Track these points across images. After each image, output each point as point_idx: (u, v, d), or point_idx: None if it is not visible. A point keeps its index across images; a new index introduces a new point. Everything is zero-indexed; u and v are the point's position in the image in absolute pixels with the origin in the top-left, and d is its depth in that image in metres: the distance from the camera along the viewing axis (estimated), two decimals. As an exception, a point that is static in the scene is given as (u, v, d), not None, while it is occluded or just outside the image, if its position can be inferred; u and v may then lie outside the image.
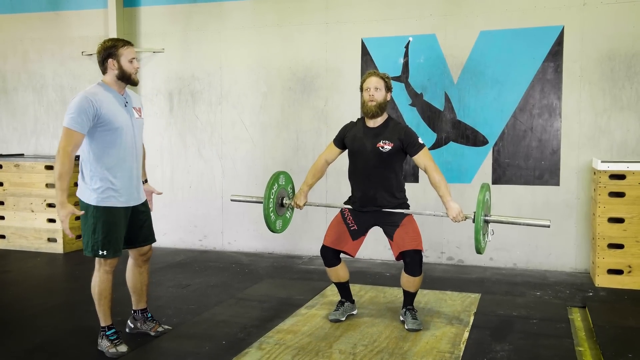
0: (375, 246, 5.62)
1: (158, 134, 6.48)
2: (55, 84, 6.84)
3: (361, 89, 3.80)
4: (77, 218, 3.38)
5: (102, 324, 3.48)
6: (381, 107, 3.73)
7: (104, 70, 3.42)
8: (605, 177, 4.82)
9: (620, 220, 4.80)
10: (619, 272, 4.82)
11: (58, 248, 6.20)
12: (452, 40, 5.54)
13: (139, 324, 3.77)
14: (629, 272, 4.78)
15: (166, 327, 3.82)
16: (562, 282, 5.05)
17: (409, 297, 3.88)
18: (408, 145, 3.70)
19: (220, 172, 6.35)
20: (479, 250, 3.50)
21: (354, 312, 4.10)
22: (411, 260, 3.72)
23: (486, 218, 3.53)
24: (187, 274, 5.34)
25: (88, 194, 3.36)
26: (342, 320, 3.96)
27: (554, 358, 3.37)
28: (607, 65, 5.22)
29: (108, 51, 3.37)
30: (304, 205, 3.99)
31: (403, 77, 5.67)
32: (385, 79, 3.78)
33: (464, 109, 5.55)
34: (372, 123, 3.78)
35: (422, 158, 3.70)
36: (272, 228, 3.98)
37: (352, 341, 3.59)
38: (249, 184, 6.16)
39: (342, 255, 3.92)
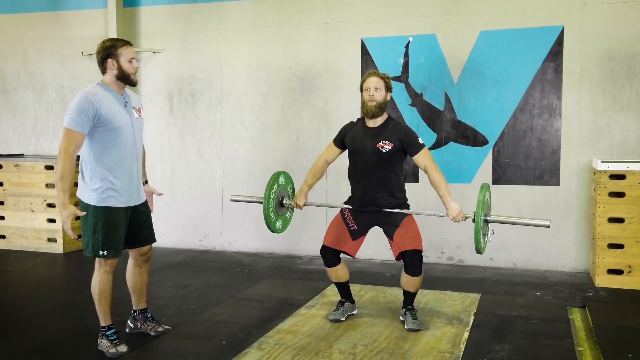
0: (375, 246, 5.62)
1: (158, 134, 6.48)
2: (55, 84, 6.84)
3: (361, 89, 3.80)
4: (77, 218, 3.37)
5: (102, 324, 3.48)
6: (381, 107, 3.73)
7: (104, 70, 3.42)
8: (605, 177, 4.82)
9: (620, 220, 4.80)
10: (619, 272, 4.82)
11: (58, 248, 6.20)
12: (452, 40, 5.54)
13: (139, 324, 3.77)
14: (629, 272, 4.78)
15: (166, 327, 3.82)
16: (562, 282, 5.05)
17: (409, 297, 3.88)
18: (408, 145, 3.70)
19: (220, 172, 6.35)
20: (479, 250, 3.50)
21: (354, 312, 4.10)
22: (411, 260, 3.72)
23: (486, 218, 3.53)
24: (187, 274, 5.34)
25: (88, 194, 3.36)
26: (342, 320, 3.96)
27: (554, 358, 3.37)
28: (607, 65, 5.22)
29: (107, 51, 3.37)
30: (304, 205, 3.99)
31: (403, 77, 5.67)
32: (385, 79, 3.78)
33: (464, 109, 5.55)
34: (372, 123, 3.78)
35: (422, 158, 3.70)
36: (272, 228, 3.97)
37: (352, 341, 3.59)
38: (249, 184, 6.16)
39: (342, 255, 3.92)
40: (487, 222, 3.56)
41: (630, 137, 5.20)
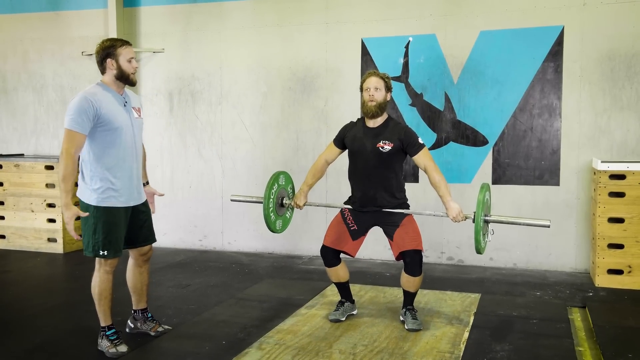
0: (375, 246, 5.62)
1: (158, 134, 6.48)
2: (55, 84, 6.84)
3: (361, 89, 3.80)
4: (78, 218, 3.37)
5: (102, 324, 3.48)
6: (381, 107, 3.73)
7: (103, 70, 3.42)
8: (605, 177, 4.82)
9: (620, 220, 4.80)
10: (619, 272, 4.82)
11: (58, 248, 6.20)
12: (452, 40, 5.54)
13: (139, 324, 3.77)
14: (629, 272, 4.78)
15: (166, 327, 3.82)
16: (562, 282, 5.05)
17: (409, 297, 3.88)
18: (408, 145, 3.70)
19: (220, 172, 6.35)
20: (479, 251, 3.50)
21: (354, 312, 4.10)
22: (411, 260, 3.72)
23: (486, 218, 3.53)
24: (187, 274, 5.34)
25: (88, 194, 3.36)
26: (342, 320, 3.96)
27: (554, 358, 3.37)
28: (607, 65, 5.22)
29: (106, 51, 3.37)
30: (304, 205, 3.99)
31: (403, 77, 5.67)
32: (385, 79, 3.78)
33: (464, 109, 5.55)
34: (372, 123, 3.78)
35: (422, 158, 3.70)
36: (272, 228, 3.97)
37: (352, 341, 3.59)
38: (249, 184, 6.16)
39: (342, 255, 3.92)
40: (487, 222, 3.56)
41: (630, 137, 5.20)
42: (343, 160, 4.02)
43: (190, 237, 6.49)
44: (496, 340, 3.63)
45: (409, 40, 5.65)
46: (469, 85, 5.51)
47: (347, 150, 3.89)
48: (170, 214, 6.46)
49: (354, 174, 3.85)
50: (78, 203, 3.41)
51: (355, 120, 3.96)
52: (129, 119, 3.43)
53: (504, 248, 5.53)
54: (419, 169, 5.12)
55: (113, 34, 6.27)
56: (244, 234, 6.29)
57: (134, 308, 3.79)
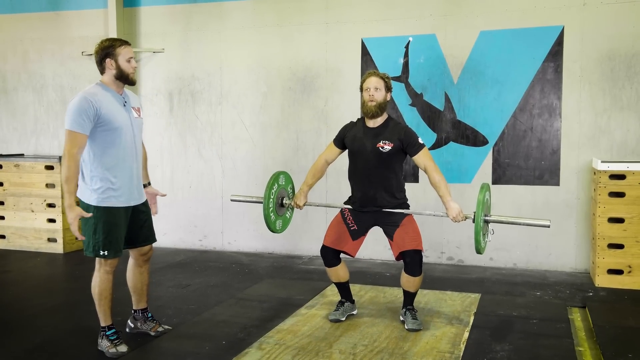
0: (375, 246, 5.62)
1: (158, 134, 6.48)
2: (55, 84, 6.84)
3: (361, 89, 3.80)
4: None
5: (102, 324, 3.48)
6: (381, 107, 3.73)
7: (102, 70, 3.42)
8: (605, 177, 4.82)
9: (620, 220, 4.80)
10: (619, 272, 4.82)
11: (58, 248, 6.20)
12: (452, 40, 5.54)
13: (139, 324, 3.77)
14: (629, 272, 4.78)
15: (166, 327, 3.82)
16: (562, 282, 5.05)
17: (409, 297, 3.88)
18: (408, 145, 3.70)
19: (220, 172, 6.35)
20: (479, 251, 3.50)
21: (354, 312, 4.10)
22: (411, 260, 3.72)
23: (486, 218, 3.53)
24: (187, 274, 5.34)
25: (88, 194, 3.36)
26: (342, 320, 3.96)
27: (554, 358, 3.37)
28: (607, 65, 5.22)
29: (105, 51, 3.37)
30: (304, 205, 3.99)
31: (403, 77, 5.67)
32: (385, 79, 3.78)
33: (464, 109, 5.55)
34: (372, 123, 3.78)
35: (422, 158, 3.70)
36: (272, 228, 3.98)
37: (352, 341, 3.59)
38: (249, 184, 6.16)
39: (342, 255, 3.92)
40: (487, 222, 3.56)
41: (630, 137, 5.20)
42: (343, 160, 4.02)
43: (190, 237, 6.49)
44: (496, 340, 3.63)
45: (409, 40, 5.65)
46: (469, 85, 5.51)
47: (347, 150, 3.89)
48: (170, 214, 6.45)
49: (354, 174, 3.85)
50: (78, 203, 3.41)
51: (355, 120, 3.96)
52: (129, 119, 3.44)
53: (504, 248, 5.53)
54: (419, 169, 5.11)
55: (113, 34, 6.27)
56: (244, 234, 6.29)
57: (134, 308, 3.79)
